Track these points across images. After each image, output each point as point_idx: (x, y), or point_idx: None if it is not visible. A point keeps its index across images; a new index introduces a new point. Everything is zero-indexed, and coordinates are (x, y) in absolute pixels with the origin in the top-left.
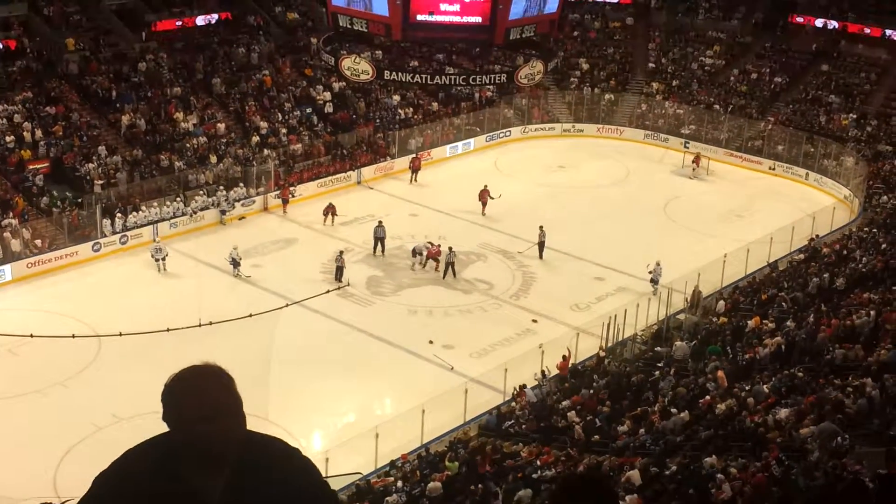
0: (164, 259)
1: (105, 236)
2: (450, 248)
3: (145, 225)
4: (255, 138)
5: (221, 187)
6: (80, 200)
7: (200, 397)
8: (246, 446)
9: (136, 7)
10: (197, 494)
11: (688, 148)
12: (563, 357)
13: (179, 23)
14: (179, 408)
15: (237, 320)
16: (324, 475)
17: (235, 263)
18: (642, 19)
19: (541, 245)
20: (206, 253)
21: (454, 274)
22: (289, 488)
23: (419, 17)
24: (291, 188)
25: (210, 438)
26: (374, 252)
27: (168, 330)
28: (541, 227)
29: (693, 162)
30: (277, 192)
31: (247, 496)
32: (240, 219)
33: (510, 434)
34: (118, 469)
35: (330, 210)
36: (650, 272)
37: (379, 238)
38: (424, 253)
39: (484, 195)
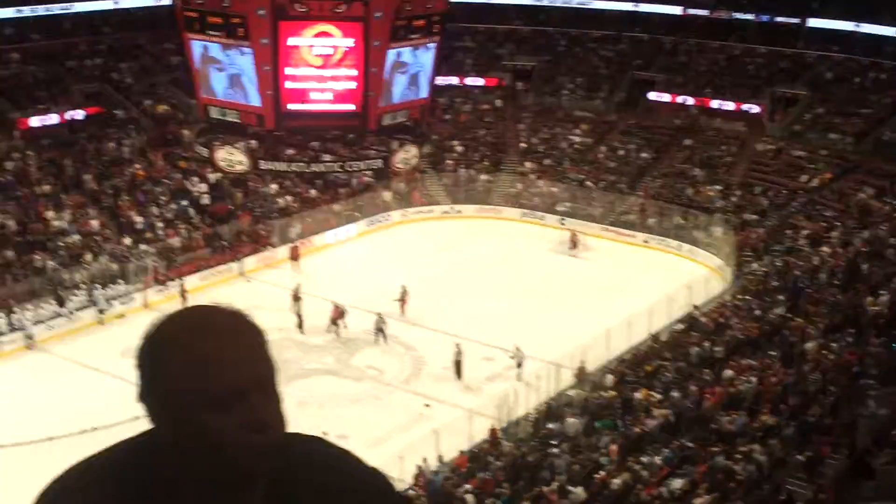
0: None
1: None
2: (457, 346)
3: (20, 329)
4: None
5: (98, 285)
6: None
7: (219, 365)
8: (284, 452)
9: (0, 105)
10: None
11: (564, 224)
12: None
13: (46, 119)
14: (178, 382)
15: (124, 423)
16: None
17: None
18: (510, 101)
19: (457, 364)
20: (85, 354)
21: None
22: None
23: (290, 107)
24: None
25: (238, 443)
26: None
27: (49, 439)
28: (457, 345)
29: (570, 240)
30: (157, 287)
31: None
32: (119, 317)
33: None
34: (62, 493)
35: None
36: (512, 357)
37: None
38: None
39: (405, 297)
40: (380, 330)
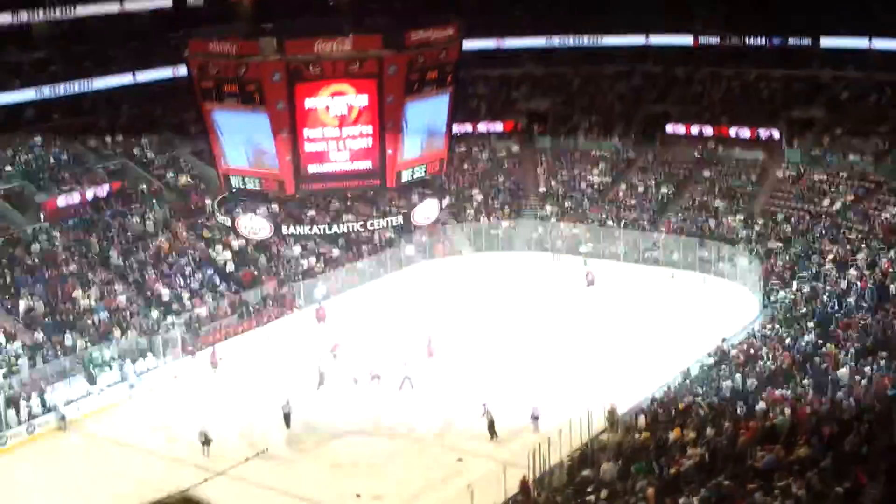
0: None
1: (10, 428)
2: (484, 405)
3: (52, 410)
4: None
5: (128, 360)
6: None
7: None
8: None
9: (24, 189)
10: None
11: (587, 265)
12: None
13: (70, 199)
14: None
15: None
16: None
17: (206, 440)
18: (527, 144)
19: (490, 423)
20: (118, 431)
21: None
22: None
23: (311, 169)
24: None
25: None
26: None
27: None
28: (484, 405)
29: (586, 279)
30: (187, 358)
31: None
32: (150, 391)
33: None
34: None
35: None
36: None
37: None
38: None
39: (430, 346)
40: (407, 378)
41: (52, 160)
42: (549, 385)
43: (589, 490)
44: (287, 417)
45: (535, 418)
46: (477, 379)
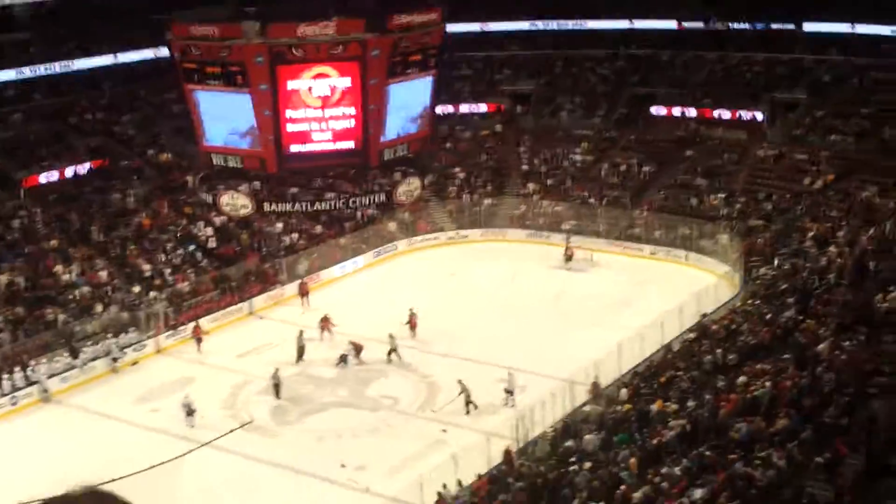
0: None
1: None
2: (459, 381)
3: (35, 383)
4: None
5: (110, 335)
6: None
7: None
8: None
9: (5, 165)
10: None
11: (570, 243)
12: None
13: (51, 176)
14: None
15: (142, 472)
16: None
17: (190, 412)
18: (510, 125)
19: (467, 399)
20: (101, 404)
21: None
22: None
23: (293, 149)
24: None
25: None
26: (299, 360)
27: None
28: (459, 381)
29: (564, 253)
30: (168, 332)
31: None
32: (133, 364)
33: None
34: None
35: (325, 324)
36: (505, 383)
37: (301, 347)
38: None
39: (413, 319)
40: (393, 350)
41: (32, 138)
42: (531, 358)
43: (572, 460)
44: (277, 388)
45: (509, 392)
46: (458, 352)
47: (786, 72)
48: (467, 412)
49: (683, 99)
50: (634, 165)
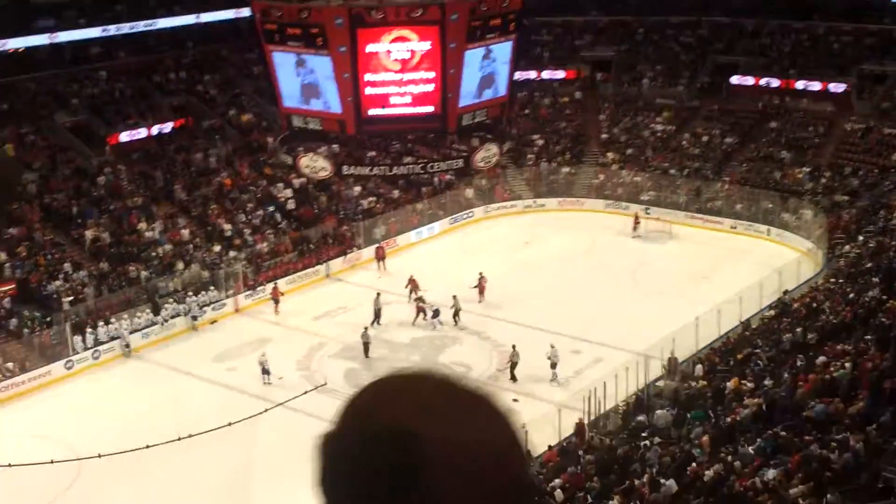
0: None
1: (77, 353)
2: (513, 346)
3: (117, 338)
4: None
5: (190, 293)
6: (49, 319)
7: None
8: None
9: (91, 122)
10: None
11: (649, 214)
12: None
13: (135, 134)
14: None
15: (217, 430)
16: None
17: (265, 371)
18: (590, 92)
19: (513, 365)
20: (180, 360)
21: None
22: None
23: (371, 112)
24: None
25: None
26: (376, 323)
27: (147, 447)
28: (513, 347)
29: (634, 222)
30: (248, 293)
31: None
32: (211, 323)
33: None
34: None
35: (413, 285)
36: (549, 357)
37: (377, 310)
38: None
39: (482, 283)
40: (457, 311)
41: (117, 95)
42: (604, 330)
43: (643, 434)
44: (366, 347)
45: (553, 366)
46: (524, 320)
47: (875, 42)
48: (511, 379)
49: (768, 69)
50: (717, 136)
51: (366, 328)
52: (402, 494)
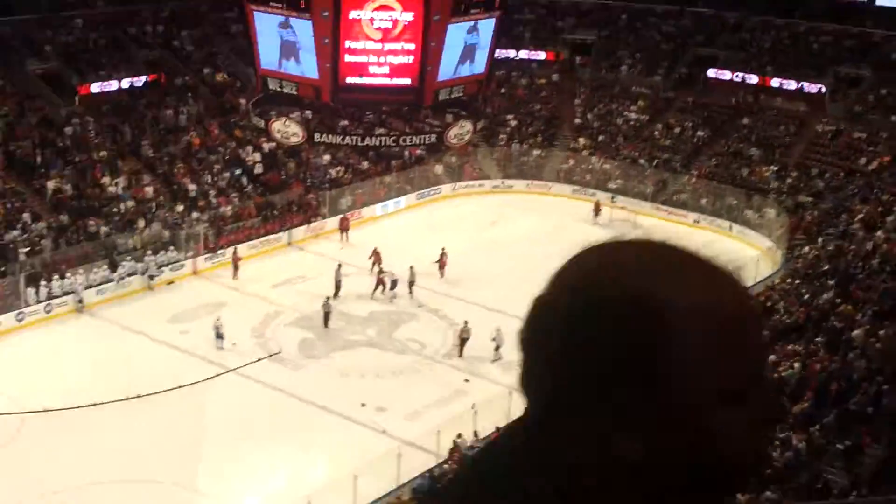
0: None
1: (29, 305)
2: (465, 322)
3: (71, 293)
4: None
5: (149, 252)
6: (3, 269)
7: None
8: None
9: (62, 71)
10: None
11: (615, 202)
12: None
13: (106, 86)
14: (697, 368)
15: (167, 392)
16: None
17: (219, 335)
18: (568, 76)
19: (462, 341)
20: (133, 319)
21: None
22: None
23: (349, 80)
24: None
25: (747, 444)
26: (335, 295)
27: (94, 404)
28: (465, 322)
29: (594, 209)
30: (207, 255)
31: None
32: (168, 283)
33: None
34: None
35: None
36: (493, 339)
37: (338, 281)
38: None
39: (443, 259)
40: (410, 283)
41: (91, 44)
42: None
43: None
44: (327, 316)
45: (497, 348)
46: (479, 299)
47: (854, 45)
48: (460, 354)
49: (746, 64)
50: (689, 129)
51: (327, 298)
52: (643, 365)
